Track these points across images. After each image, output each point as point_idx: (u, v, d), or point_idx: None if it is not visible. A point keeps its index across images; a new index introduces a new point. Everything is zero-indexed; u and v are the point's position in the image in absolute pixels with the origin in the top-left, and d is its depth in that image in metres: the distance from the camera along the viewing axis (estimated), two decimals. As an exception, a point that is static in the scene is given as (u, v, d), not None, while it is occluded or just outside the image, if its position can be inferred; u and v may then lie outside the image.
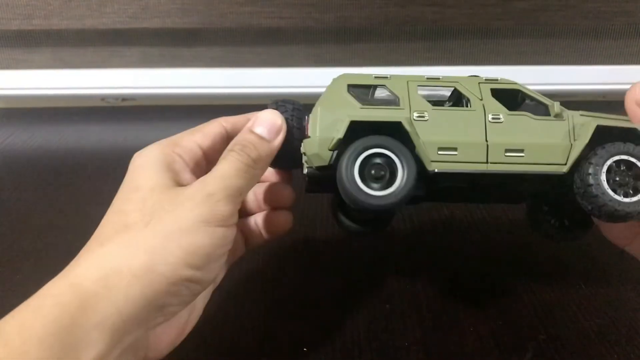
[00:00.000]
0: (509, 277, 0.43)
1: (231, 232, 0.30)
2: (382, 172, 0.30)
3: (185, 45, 0.72)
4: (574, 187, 0.32)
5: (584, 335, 0.37)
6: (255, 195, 0.38)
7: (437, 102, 0.34)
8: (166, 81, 0.72)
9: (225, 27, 0.69)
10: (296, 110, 0.34)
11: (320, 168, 0.32)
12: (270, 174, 0.38)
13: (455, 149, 0.31)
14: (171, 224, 0.27)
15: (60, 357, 0.23)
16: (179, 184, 0.30)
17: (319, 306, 0.40)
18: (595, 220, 0.35)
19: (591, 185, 0.30)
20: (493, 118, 0.32)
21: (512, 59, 0.73)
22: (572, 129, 0.32)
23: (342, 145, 0.31)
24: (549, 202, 0.38)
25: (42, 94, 0.73)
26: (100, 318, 0.24)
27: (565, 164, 0.31)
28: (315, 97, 0.33)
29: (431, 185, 0.33)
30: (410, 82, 0.34)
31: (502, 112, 0.32)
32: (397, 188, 0.30)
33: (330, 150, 0.31)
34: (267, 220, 0.38)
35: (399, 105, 0.33)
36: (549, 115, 0.33)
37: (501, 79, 0.35)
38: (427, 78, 0.34)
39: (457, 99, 0.35)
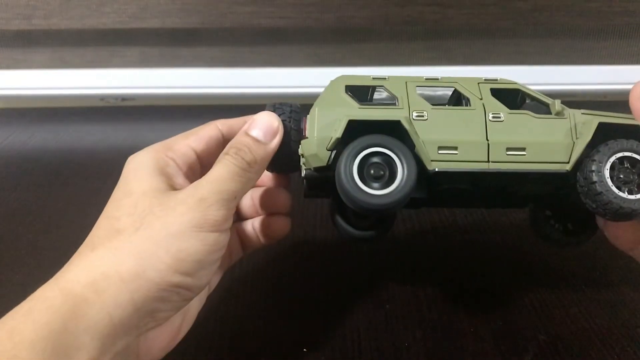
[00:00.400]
0: (509, 278, 0.43)
1: (224, 237, 0.29)
2: (382, 172, 0.30)
3: (185, 45, 0.72)
4: (578, 185, 0.31)
5: (585, 336, 0.37)
6: (252, 200, 0.37)
7: (437, 103, 0.34)
8: (166, 81, 0.72)
9: (225, 27, 0.69)
10: (294, 112, 0.33)
11: (318, 169, 0.32)
12: (268, 179, 0.38)
13: (455, 148, 0.31)
14: (161, 230, 0.27)
15: None
16: (173, 188, 0.30)
17: (319, 306, 0.40)
18: (600, 225, 0.35)
19: (595, 182, 0.30)
20: (493, 117, 0.32)
21: (512, 59, 0.73)
22: (574, 127, 0.32)
23: (340, 145, 0.31)
24: (552, 206, 0.38)
25: (41, 94, 0.73)
26: (90, 323, 0.24)
27: (568, 162, 0.31)
28: (315, 97, 0.33)
29: (432, 187, 0.33)
30: (408, 83, 0.33)
31: (503, 111, 0.32)
32: (397, 187, 0.29)
33: (328, 150, 0.31)
34: (265, 225, 0.37)
35: (397, 105, 0.32)
36: (550, 114, 0.32)
37: (501, 79, 0.34)
38: (426, 79, 0.34)
39: (457, 101, 0.35)
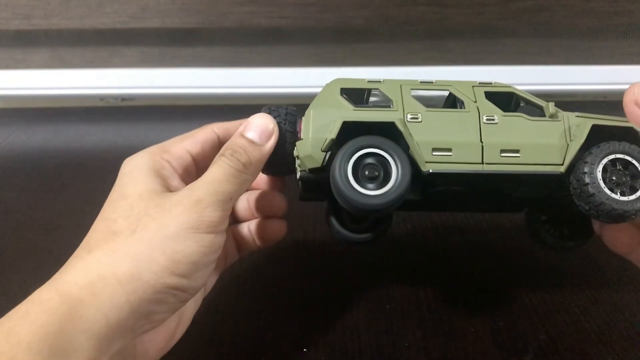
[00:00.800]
0: (510, 278, 0.43)
1: (220, 239, 0.29)
2: (376, 172, 0.30)
3: (185, 45, 0.72)
4: (571, 187, 0.31)
5: (585, 336, 0.37)
6: (248, 203, 0.38)
7: (434, 105, 0.34)
8: (166, 81, 0.72)
9: (225, 27, 0.69)
10: (289, 114, 0.34)
11: (313, 170, 0.32)
12: (263, 182, 0.38)
13: (449, 150, 0.31)
14: (157, 231, 0.27)
15: None
16: (168, 190, 0.30)
17: (319, 306, 0.40)
18: (596, 229, 0.35)
19: (587, 184, 0.30)
20: (487, 119, 0.32)
21: (512, 59, 0.73)
22: (567, 129, 0.32)
23: (335, 147, 0.31)
24: (547, 211, 0.38)
25: (41, 94, 0.73)
26: (87, 325, 0.24)
27: (562, 164, 0.31)
28: (315, 97, 0.33)
29: (427, 189, 0.33)
30: (403, 86, 0.34)
31: (497, 114, 0.32)
32: (392, 187, 0.30)
33: (323, 151, 0.31)
34: (261, 228, 0.37)
35: (392, 107, 0.33)
36: (545, 117, 0.33)
37: (495, 83, 0.34)
38: (421, 82, 0.34)
39: (453, 104, 0.35)
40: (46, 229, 0.49)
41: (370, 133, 0.31)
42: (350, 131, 0.30)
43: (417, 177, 0.31)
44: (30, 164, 0.62)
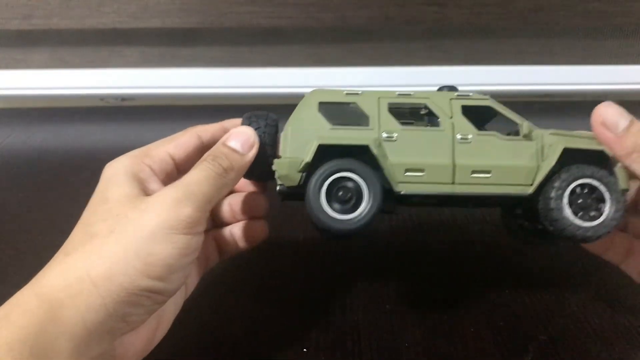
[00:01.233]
0: (509, 278, 0.43)
1: (196, 241, 0.29)
2: (350, 194, 0.31)
3: (185, 45, 0.72)
4: (538, 206, 0.32)
5: (585, 336, 0.37)
6: (230, 206, 0.38)
7: (413, 109, 0.35)
8: (166, 81, 0.72)
9: (225, 27, 0.69)
10: (269, 126, 0.34)
11: (291, 187, 0.32)
12: (246, 184, 0.39)
13: (422, 170, 0.32)
14: (133, 233, 0.27)
15: None
16: (147, 194, 0.30)
17: (319, 306, 0.40)
18: None
19: (552, 209, 0.31)
20: (462, 138, 0.33)
21: (512, 59, 0.73)
22: (540, 150, 0.33)
23: (311, 167, 0.31)
24: (522, 206, 0.38)
25: (41, 93, 0.73)
26: (67, 327, 0.25)
27: (531, 185, 0.32)
28: (295, 108, 0.34)
29: (401, 201, 0.34)
30: (381, 99, 0.34)
31: (471, 132, 0.33)
32: (360, 214, 0.31)
33: (299, 172, 0.32)
34: (243, 230, 0.38)
35: (368, 125, 0.33)
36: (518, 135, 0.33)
37: (473, 95, 0.35)
38: (399, 94, 0.34)
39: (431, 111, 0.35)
40: (46, 229, 0.49)
41: (346, 153, 0.32)
42: (326, 152, 0.31)
43: (391, 193, 0.32)
44: (30, 164, 0.62)
